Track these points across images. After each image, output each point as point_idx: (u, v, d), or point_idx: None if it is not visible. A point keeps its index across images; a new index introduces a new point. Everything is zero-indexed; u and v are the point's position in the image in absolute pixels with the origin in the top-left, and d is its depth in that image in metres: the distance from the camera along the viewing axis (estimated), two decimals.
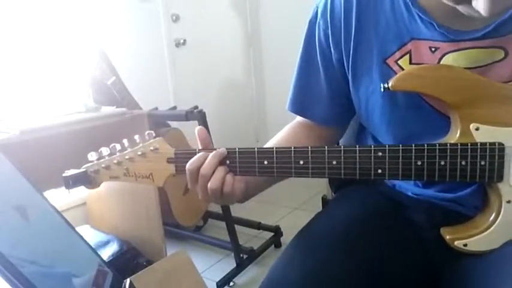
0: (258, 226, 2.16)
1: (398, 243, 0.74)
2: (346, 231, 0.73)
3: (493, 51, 0.65)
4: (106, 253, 1.61)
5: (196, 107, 1.79)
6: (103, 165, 0.71)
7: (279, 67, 3.08)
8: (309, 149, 0.66)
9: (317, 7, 0.79)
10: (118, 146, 0.72)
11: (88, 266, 0.71)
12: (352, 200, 0.83)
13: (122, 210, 1.81)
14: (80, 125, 1.41)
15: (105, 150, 0.72)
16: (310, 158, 0.66)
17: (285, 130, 0.85)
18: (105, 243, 1.68)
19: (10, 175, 0.69)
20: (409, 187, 0.79)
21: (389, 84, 0.66)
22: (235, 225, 1.91)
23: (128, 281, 0.76)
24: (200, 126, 0.72)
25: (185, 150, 0.70)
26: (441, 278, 0.73)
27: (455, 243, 0.66)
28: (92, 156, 0.72)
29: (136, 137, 0.72)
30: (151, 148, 0.71)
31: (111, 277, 0.72)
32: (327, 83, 0.79)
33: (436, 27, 0.66)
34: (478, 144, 0.63)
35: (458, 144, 0.63)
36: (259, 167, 0.68)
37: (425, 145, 0.63)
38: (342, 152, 0.65)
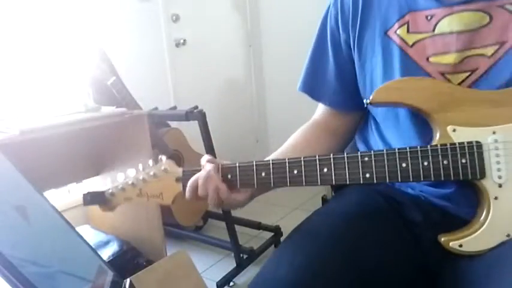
0: (258, 226, 2.16)
1: (393, 243, 0.74)
2: (340, 230, 0.73)
3: (480, 16, 0.72)
4: (106, 253, 1.61)
5: (196, 107, 1.79)
6: (119, 187, 0.78)
7: (279, 67, 3.08)
8: (302, 158, 0.71)
9: (330, 0, 0.87)
10: (133, 171, 0.79)
11: (88, 266, 0.71)
12: (349, 199, 0.83)
13: (122, 210, 1.81)
14: (80, 125, 1.41)
15: (120, 176, 0.79)
16: (303, 167, 0.71)
17: (296, 134, 0.90)
18: (105, 243, 1.67)
19: (10, 175, 0.69)
20: (408, 184, 0.80)
21: (370, 99, 0.73)
22: (235, 225, 1.91)
23: (128, 281, 0.76)
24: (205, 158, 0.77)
25: (192, 170, 0.76)
26: (438, 279, 0.73)
27: (451, 244, 0.67)
28: (110, 182, 0.79)
29: (149, 161, 0.79)
30: (162, 168, 0.77)
31: (111, 277, 0.73)
32: (335, 65, 0.87)
33: None
34: (457, 143, 0.67)
35: (438, 145, 0.67)
36: (257, 178, 0.73)
37: (408, 148, 0.68)
38: (332, 159, 0.70)
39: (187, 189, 0.74)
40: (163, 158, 0.78)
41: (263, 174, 0.73)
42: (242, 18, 3.11)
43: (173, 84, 2.60)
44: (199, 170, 0.74)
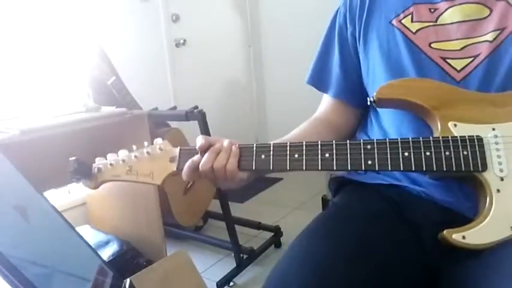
0: (258, 226, 2.15)
1: (397, 243, 0.73)
2: (346, 235, 0.73)
3: (480, 8, 0.76)
4: (106, 253, 1.61)
5: (196, 107, 1.79)
6: (109, 163, 0.74)
7: (279, 67, 3.08)
8: (303, 143, 0.71)
9: (340, 2, 0.91)
10: (125, 152, 0.75)
11: (88, 266, 0.71)
12: (352, 201, 0.83)
13: (122, 210, 1.81)
14: (80, 125, 1.41)
15: (110, 156, 0.75)
16: (304, 151, 0.70)
17: (296, 129, 0.90)
18: (105, 243, 1.67)
19: (10, 175, 0.69)
20: (410, 178, 0.80)
21: (374, 95, 0.74)
22: (235, 225, 1.91)
23: (127, 281, 0.76)
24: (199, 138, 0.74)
25: (189, 148, 0.75)
26: (440, 279, 0.73)
27: (454, 236, 0.66)
28: (99, 159, 0.75)
29: (145, 142, 0.76)
30: (157, 147, 0.75)
31: (111, 277, 0.73)
32: (340, 56, 0.90)
33: None
34: (458, 137, 0.69)
35: (440, 137, 0.69)
36: (256, 160, 0.72)
37: (410, 138, 0.69)
38: (334, 145, 0.70)
39: (188, 163, 0.72)
40: (160, 139, 0.75)
41: (263, 156, 0.71)
42: (242, 18, 3.11)
43: (173, 84, 2.60)
44: (196, 150, 0.73)
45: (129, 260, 1.63)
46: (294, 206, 2.53)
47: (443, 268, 0.71)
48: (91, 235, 1.73)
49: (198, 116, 1.74)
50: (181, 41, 2.61)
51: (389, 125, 0.83)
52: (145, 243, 1.72)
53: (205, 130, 1.76)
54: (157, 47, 2.51)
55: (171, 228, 2.07)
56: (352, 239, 0.71)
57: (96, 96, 1.57)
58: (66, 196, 2.02)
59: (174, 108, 2.19)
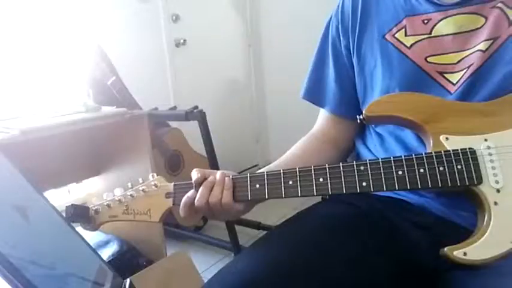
0: (258, 226, 2.15)
1: (363, 247, 0.71)
2: (310, 232, 0.73)
3: (475, 18, 0.74)
4: (106, 253, 1.61)
5: (196, 107, 1.80)
6: (105, 204, 0.75)
7: (279, 67, 3.08)
8: (297, 169, 0.71)
9: (332, 12, 0.90)
10: (120, 190, 0.75)
11: (88, 266, 0.71)
12: (325, 206, 0.84)
13: None
14: (80, 125, 1.41)
15: (107, 195, 0.76)
16: (298, 177, 0.70)
17: (295, 147, 0.89)
18: (105, 243, 1.67)
19: (10, 175, 0.69)
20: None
21: (363, 113, 0.73)
22: (235, 225, 1.91)
23: (127, 281, 0.76)
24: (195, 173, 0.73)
25: (183, 183, 0.75)
26: (438, 282, 0.71)
27: (455, 253, 0.64)
28: (95, 200, 0.76)
29: (140, 179, 0.76)
30: (152, 184, 0.75)
31: (111, 277, 0.72)
32: (335, 71, 0.88)
33: None
34: (451, 150, 0.68)
35: (433, 153, 0.68)
36: (251, 190, 0.72)
37: (403, 156, 0.69)
38: (327, 169, 0.70)
39: (184, 200, 0.72)
40: (154, 174, 0.76)
41: (257, 186, 0.71)
42: (242, 18, 3.11)
43: (173, 84, 2.60)
44: (191, 183, 0.73)
45: (129, 260, 1.63)
46: (294, 206, 2.51)
47: (440, 271, 0.70)
48: (91, 235, 1.72)
49: (198, 116, 1.75)
50: (181, 41, 2.61)
51: (385, 130, 0.82)
52: (145, 243, 1.71)
53: (205, 130, 1.76)
54: (157, 47, 2.51)
55: (171, 228, 2.07)
56: (312, 241, 0.70)
57: (96, 96, 1.57)
58: (66, 196, 2.02)
59: (174, 108, 2.20)
